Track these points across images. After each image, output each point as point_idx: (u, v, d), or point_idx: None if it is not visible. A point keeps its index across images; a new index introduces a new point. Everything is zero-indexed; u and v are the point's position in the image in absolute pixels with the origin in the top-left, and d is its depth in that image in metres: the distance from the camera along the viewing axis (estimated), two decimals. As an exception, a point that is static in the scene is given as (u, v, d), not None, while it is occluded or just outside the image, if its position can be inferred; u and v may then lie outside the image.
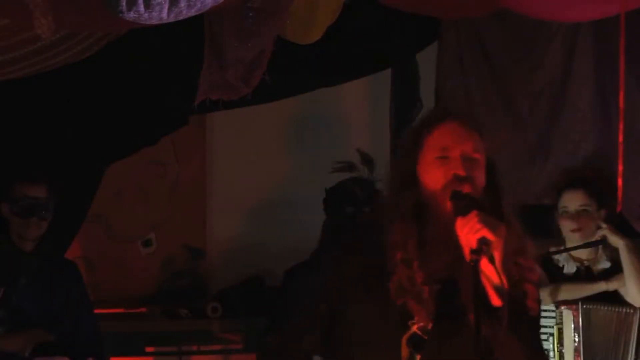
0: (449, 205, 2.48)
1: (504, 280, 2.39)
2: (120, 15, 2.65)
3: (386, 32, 5.13)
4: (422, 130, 2.62)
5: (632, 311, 4.31)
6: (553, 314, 4.38)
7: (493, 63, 5.30)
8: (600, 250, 4.45)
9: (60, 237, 4.86)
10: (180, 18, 2.77)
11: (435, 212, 2.54)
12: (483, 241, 2.35)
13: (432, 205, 2.54)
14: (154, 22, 2.73)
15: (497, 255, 2.39)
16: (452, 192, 2.49)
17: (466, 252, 2.37)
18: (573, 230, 4.41)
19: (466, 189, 2.49)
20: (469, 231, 2.37)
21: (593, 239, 4.39)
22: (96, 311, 4.68)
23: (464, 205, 2.44)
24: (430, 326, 2.45)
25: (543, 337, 4.42)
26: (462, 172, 2.50)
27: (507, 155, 5.23)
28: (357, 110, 6.03)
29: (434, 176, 2.54)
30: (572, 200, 4.43)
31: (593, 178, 4.55)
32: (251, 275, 5.75)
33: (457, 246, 2.43)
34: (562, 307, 4.35)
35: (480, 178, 2.56)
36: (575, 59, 5.01)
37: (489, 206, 2.52)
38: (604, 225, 4.34)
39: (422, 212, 2.54)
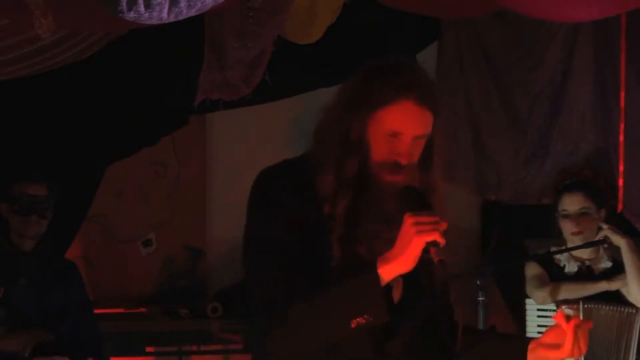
0: (389, 188, 2.48)
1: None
2: (120, 15, 2.65)
3: (386, 32, 5.13)
4: (375, 98, 2.52)
5: (633, 311, 4.30)
6: (554, 314, 4.38)
7: (493, 63, 5.31)
8: (601, 250, 4.45)
9: (60, 237, 4.86)
10: (181, 18, 2.77)
11: (372, 180, 2.51)
12: (433, 243, 2.38)
13: (370, 173, 2.52)
14: (154, 22, 2.72)
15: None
16: (403, 188, 2.48)
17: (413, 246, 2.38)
18: (574, 234, 4.40)
19: (399, 177, 2.48)
20: (417, 230, 2.37)
21: (594, 239, 4.39)
22: (96, 311, 4.68)
23: (415, 204, 2.44)
24: None
25: (544, 336, 4.41)
26: (403, 162, 2.49)
27: (507, 155, 5.27)
28: (357, 110, 6.02)
29: (378, 149, 2.51)
30: (572, 204, 4.43)
31: (591, 179, 4.55)
32: (251, 275, 5.74)
33: (388, 224, 2.45)
34: (563, 306, 4.35)
35: (419, 154, 2.55)
36: (575, 59, 5.02)
37: (420, 181, 2.52)
38: (605, 226, 4.34)
39: (361, 177, 2.52)
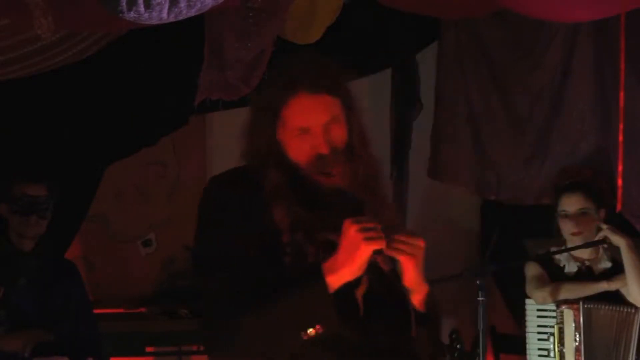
0: (322, 180, 2.45)
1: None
2: (120, 15, 2.66)
3: (386, 32, 5.13)
4: (276, 101, 2.51)
5: (633, 311, 4.31)
6: (554, 314, 4.38)
7: (493, 63, 5.30)
8: (601, 250, 4.45)
9: (60, 237, 4.86)
10: (180, 18, 2.78)
11: (307, 183, 2.47)
12: (377, 252, 2.35)
13: (302, 176, 2.48)
14: (154, 22, 2.73)
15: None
16: (333, 191, 2.44)
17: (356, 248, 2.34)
18: (573, 234, 4.40)
19: (330, 167, 2.44)
20: (364, 237, 2.32)
21: (594, 239, 4.39)
22: (96, 311, 4.68)
23: (349, 208, 2.41)
24: None
25: (544, 336, 4.42)
26: (325, 151, 2.45)
27: (507, 155, 5.27)
28: (357, 110, 6.01)
29: (297, 149, 2.48)
30: (571, 204, 4.43)
31: (591, 179, 4.55)
32: (251, 275, 5.74)
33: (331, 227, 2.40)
34: (563, 307, 4.36)
35: (343, 138, 2.51)
36: (575, 59, 5.01)
37: (352, 179, 2.48)
38: (604, 226, 4.34)
39: (293, 180, 2.47)
